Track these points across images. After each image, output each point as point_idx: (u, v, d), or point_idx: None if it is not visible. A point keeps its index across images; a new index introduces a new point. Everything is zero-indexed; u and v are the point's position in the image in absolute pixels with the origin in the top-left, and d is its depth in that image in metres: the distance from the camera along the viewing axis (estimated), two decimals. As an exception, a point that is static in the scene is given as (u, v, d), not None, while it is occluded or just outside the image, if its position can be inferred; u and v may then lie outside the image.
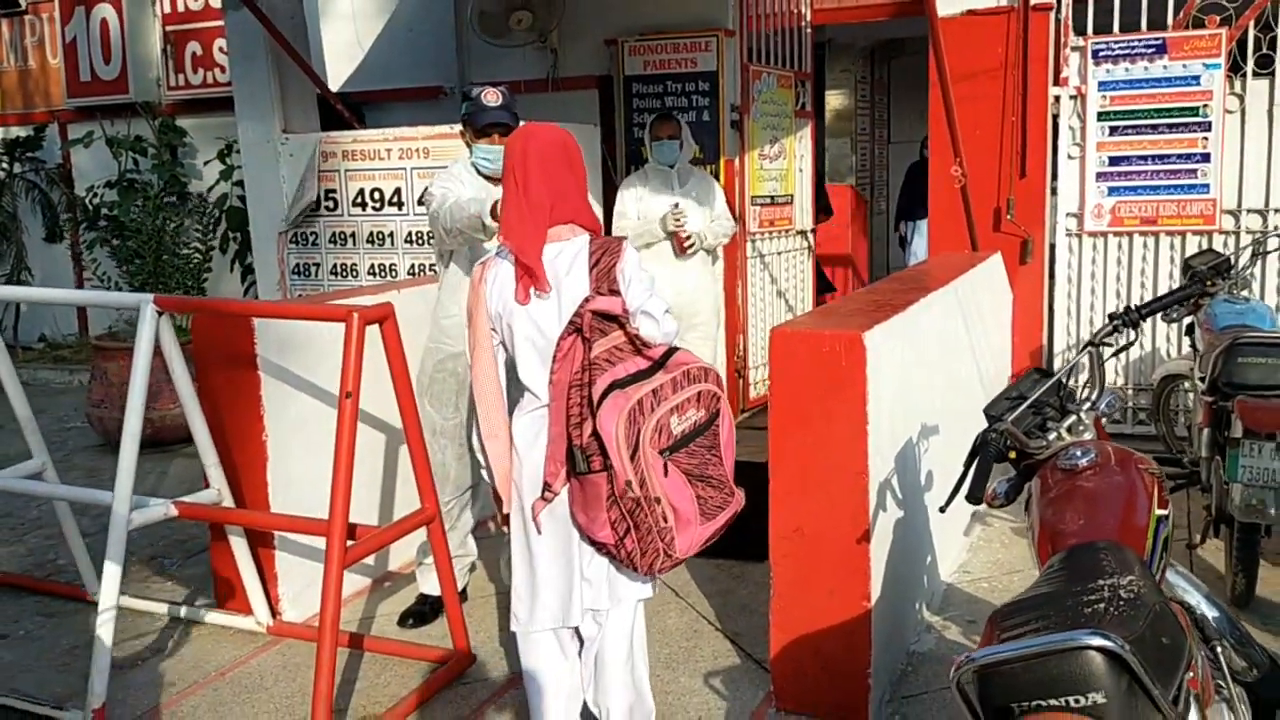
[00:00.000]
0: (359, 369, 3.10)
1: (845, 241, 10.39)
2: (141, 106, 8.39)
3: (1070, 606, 1.85)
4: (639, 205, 5.39)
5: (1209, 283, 4.67)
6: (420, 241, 5.94)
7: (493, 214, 3.38)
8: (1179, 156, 5.80)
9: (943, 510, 2.69)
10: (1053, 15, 5.84)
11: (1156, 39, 5.74)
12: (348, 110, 6.90)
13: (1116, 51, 5.82)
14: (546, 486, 2.69)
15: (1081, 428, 2.74)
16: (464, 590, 4.15)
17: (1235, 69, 5.64)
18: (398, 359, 3.28)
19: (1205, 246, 5.79)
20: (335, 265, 6.21)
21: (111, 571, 3.26)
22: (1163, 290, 5.88)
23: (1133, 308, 2.82)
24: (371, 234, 6.08)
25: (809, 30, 7.46)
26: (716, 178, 6.35)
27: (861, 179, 12.37)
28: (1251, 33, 5.55)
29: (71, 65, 9.10)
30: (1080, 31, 5.88)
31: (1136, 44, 5.79)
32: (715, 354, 6.42)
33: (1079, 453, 2.55)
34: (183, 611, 4.13)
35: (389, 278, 6.06)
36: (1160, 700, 1.71)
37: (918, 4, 10.02)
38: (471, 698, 3.51)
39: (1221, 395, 3.84)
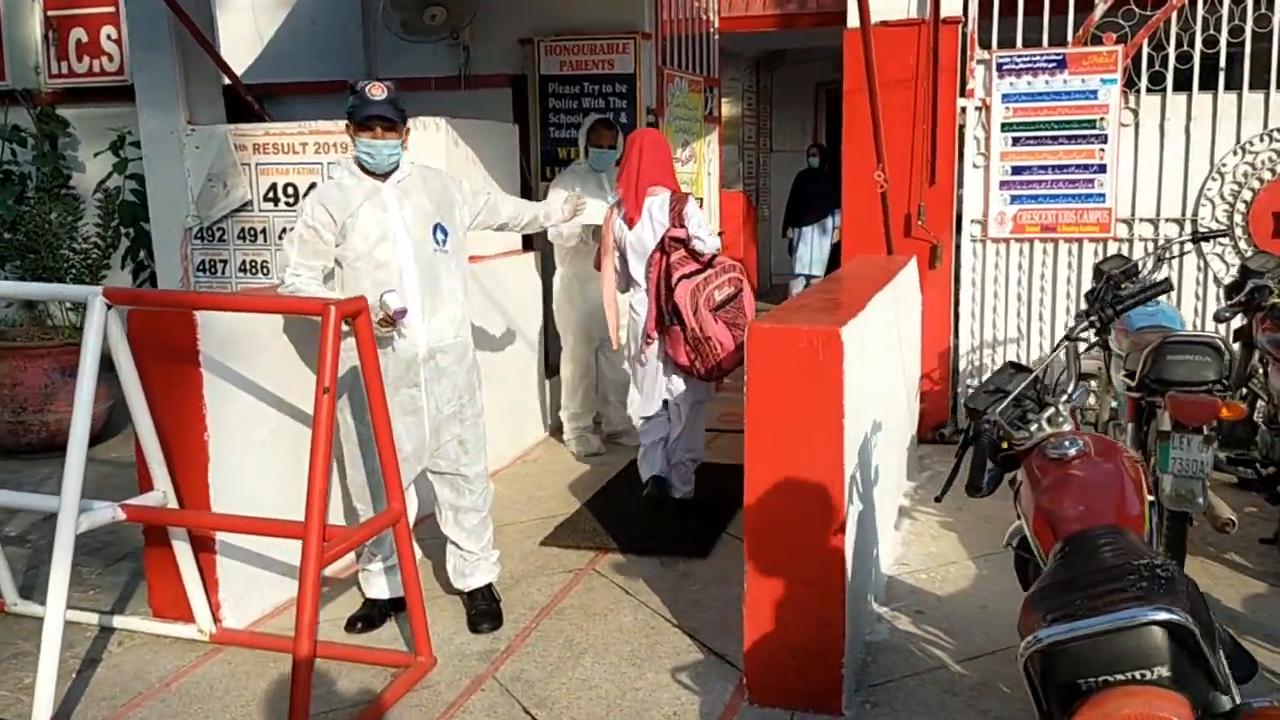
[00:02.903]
0: (336, 364, 3.02)
1: (738, 247, 10.57)
2: (20, 95, 7.94)
3: (1120, 586, 1.94)
4: None
5: (1122, 286, 4.93)
6: (337, 239, 5.78)
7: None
8: (1077, 167, 6.09)
9: (938, 500, 2.78)
10: (960, 28, 6.07)
11: (1057, 54, 6.02)
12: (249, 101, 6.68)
13: (1020, 65, 6.08)
14: (647, 335, 4.76)
15: (1061, 419, 2.86)
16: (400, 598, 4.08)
17: (1130, 84, 5.96)
18: (370, 355, 3.20)
19: (1101, 254, 6.11)
20: (244, 262, 6.01)
21: (59, 578, 3.10)
22: (1061, 295, 6.19)
23: (1106, 303, 2.96)
24: (284, 230, 5.89)
25: (716, 36, 7.58)
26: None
27: (748, 186, 12.61)
28: (1145, 50, 5.87)
29: (-58, 51, 8.53)
30: (985, 45, 6.12)
31: (1038, 59, 6.06)
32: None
33: (1067, 443, 2.66)
34: (115, 621, 3.94)
35: (303, 275, 5.88)
36: (1217, 671, 1.81)
37: (823, 15, 10.37)
38: (438, 700, 3.44)
39: (1149, 391, 4.05)
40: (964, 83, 6.14)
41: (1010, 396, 2.79)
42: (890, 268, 4.99)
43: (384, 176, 3.71)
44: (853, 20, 6.16)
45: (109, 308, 3.27)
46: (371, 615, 3.96)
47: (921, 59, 6.09)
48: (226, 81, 6.56)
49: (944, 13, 5.96)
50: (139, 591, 4.21)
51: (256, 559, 4.00)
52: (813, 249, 10.95)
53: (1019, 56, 6.08)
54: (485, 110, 6.65)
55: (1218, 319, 4.92)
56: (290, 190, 5.84)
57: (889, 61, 6.11)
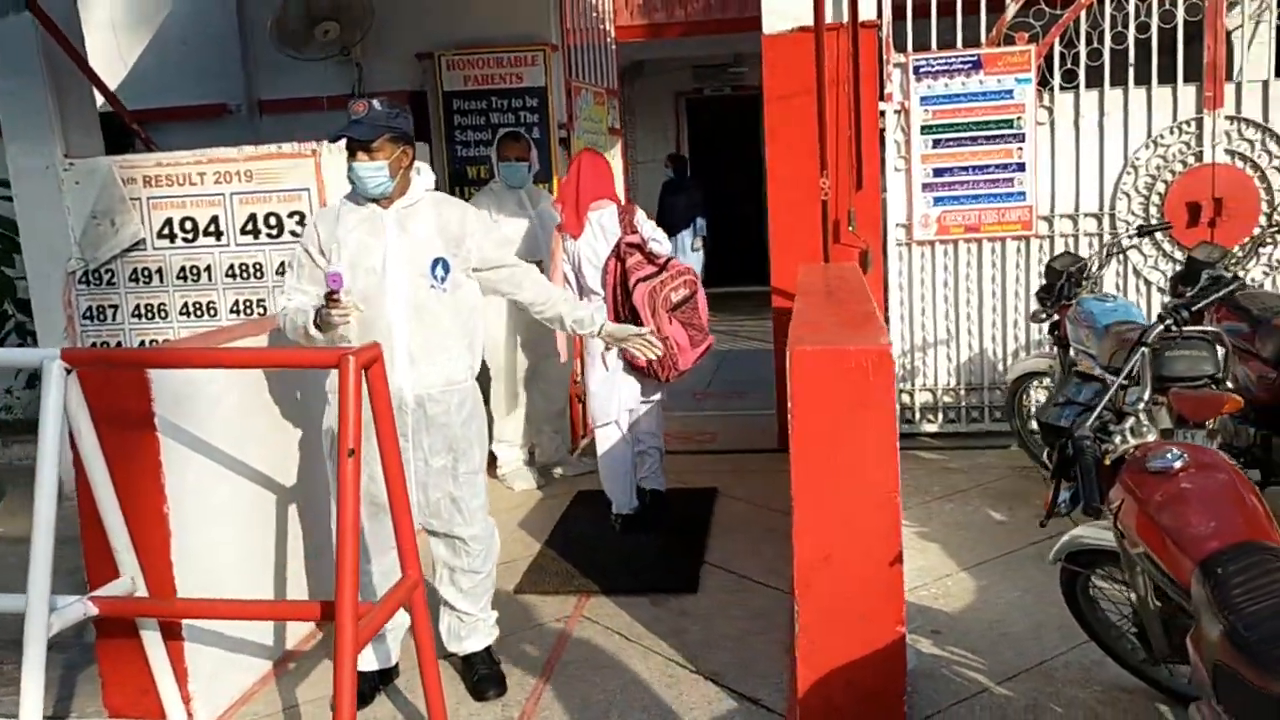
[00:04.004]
0: (359, 420, 2.65)
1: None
2: None
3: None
4: None
5: (1082, 283, 4.95)
6: (246, 275, 5.30)
7: (318, 323, 3.24)
8: (997, 166, 6.13)
9: (1043, 524, 2.63)
10: (879, 32, 6.02)
11: (973, 55, 6.04)
12: (124, 130, 6.10)
13: (936, 67, 6.08)
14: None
15: (1144, 428, 2.75)
16: (396, 665, 3.71)
17: (1044, 83, 6.03)
18: (384, 405, 2.84)
19: (1023, 252, 6.17)
20: (139, 306, 5.44)
21: (34, 686, 2.63)
22: (987, 295, 6.21)
23: (1182, 309, 2.86)
24: (184, 269, 5.37)
25: (614, 47, 7.36)
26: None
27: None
28: (1057, 49, 5.95)
29: None
30: (901, 48, 6.10)
31: (954, 60, 6.07)
32: (566, 377, 6.19)
33: (1169, 455, 2.54)
34: (68, 728, 3.43)
35: (207, 317, 5.38)
36: None
37: (690, 25, 10.28)
38: (467, 784, 3.10)
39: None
40: (881, 86, 6.10)
41: (1098, 409, 2.66)
42: (851, 277, 4.88)
43: (386, 202, 3.35)
44: (769, 26, 6.07)
45: (69, 372, 2.81)
46: (363, 691, 3.56)
47: (842, 63, 6.01)
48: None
49: (861, 16, 5.91)
50: (83, 689, 3.68)
51: (224, 641, 3.56)
52: (686, 258, 11.06)
53: (935, 59, 6.07)
54: (382, 131, 6.25)
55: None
56: (189, 225, 5.32)
57: (810, 67, 6.01)
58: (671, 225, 10.92)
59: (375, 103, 3.30)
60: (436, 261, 3.35)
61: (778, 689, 3.55)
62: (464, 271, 3.47)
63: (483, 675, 3.62)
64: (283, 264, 5.03)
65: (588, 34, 6.89)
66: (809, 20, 5.99)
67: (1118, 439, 2.71)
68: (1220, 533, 2.29)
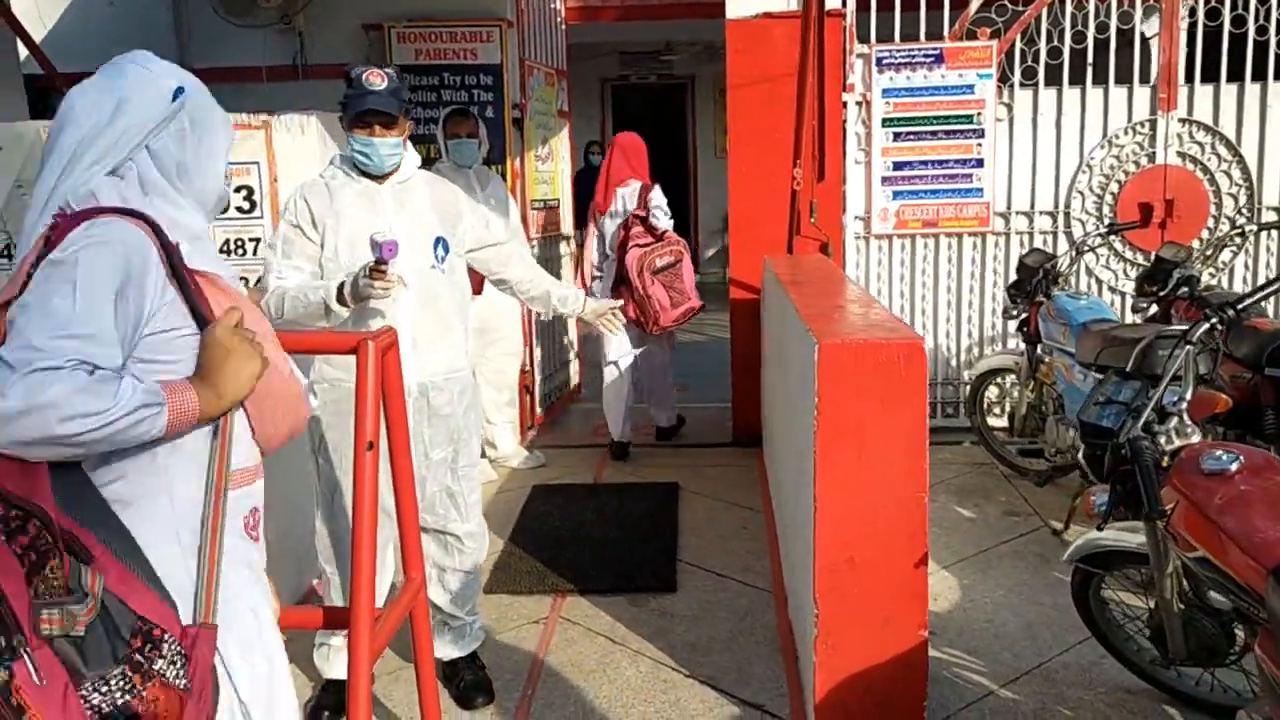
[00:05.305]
0: (378, 412, 2.43)
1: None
2: None
3: None
4: None
5: (1056, 279, 4.94)
6: (186, 253, 4.96)
7: (339, 297, 2.99)
8: (956, 162, 6.10)
9: (1100, 529, 2.54)
10: (844, 22, 5.94)
11: (935, 49, 6.00)
12: (48, 92, 5.69)
13: (899, 60, 6.03)
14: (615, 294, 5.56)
15: (1189, 429, 2.69)
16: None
17: (1004, 79, 6.02)
18: (398, 395, 2.62)
19: (979, 248, 6.17)
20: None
21: None
22: (943, 290, 6.19)
23: (1230, 306, 2.81)
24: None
25: (564, 26, 7.15)
26: (504, 179, 5.90)
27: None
28: (1018, 46, 5.94)
29: None
30: (864, 40, 6.03)
31: (917, 53, 6.02)
32: (517, 367, 5.99)
33: (1223, 456, 2.48)
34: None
35: (143, 297, 5.02)
36: None
37: (626, 9, 10.08)
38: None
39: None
40: (844, 77, 6.02)
41: (1148, 409, 2.58)
42: (834, 271, 4.79)
43: (382, 178, 3.12)
44: (733, 11, 5.94)
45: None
46: (342, 700, 3.33)
47: (808, 52, 5.90)
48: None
49: (827, 5, 5.81)
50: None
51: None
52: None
53: (898, 51, 6.02)
54: (325, 104, 5.82)
55: (1135, 309, 5.01)
56: (124, 197, 4.96)
57: (771, 54, 5.91)
58: (584, 217, 10.64)
59: (389, 72, 3.07)
60: (438, 241, 3.15)
61: (779, 694, 3.43)
62: (458, 252, 3.27)
63: (469, 682, 3.42)
64: (241, 242, 4.72)
65: (539, 12, 6.68)
66: (773, 6, 5.89)
67: (1162, 439, 2.65)
68: (1292, 537, 2.23)
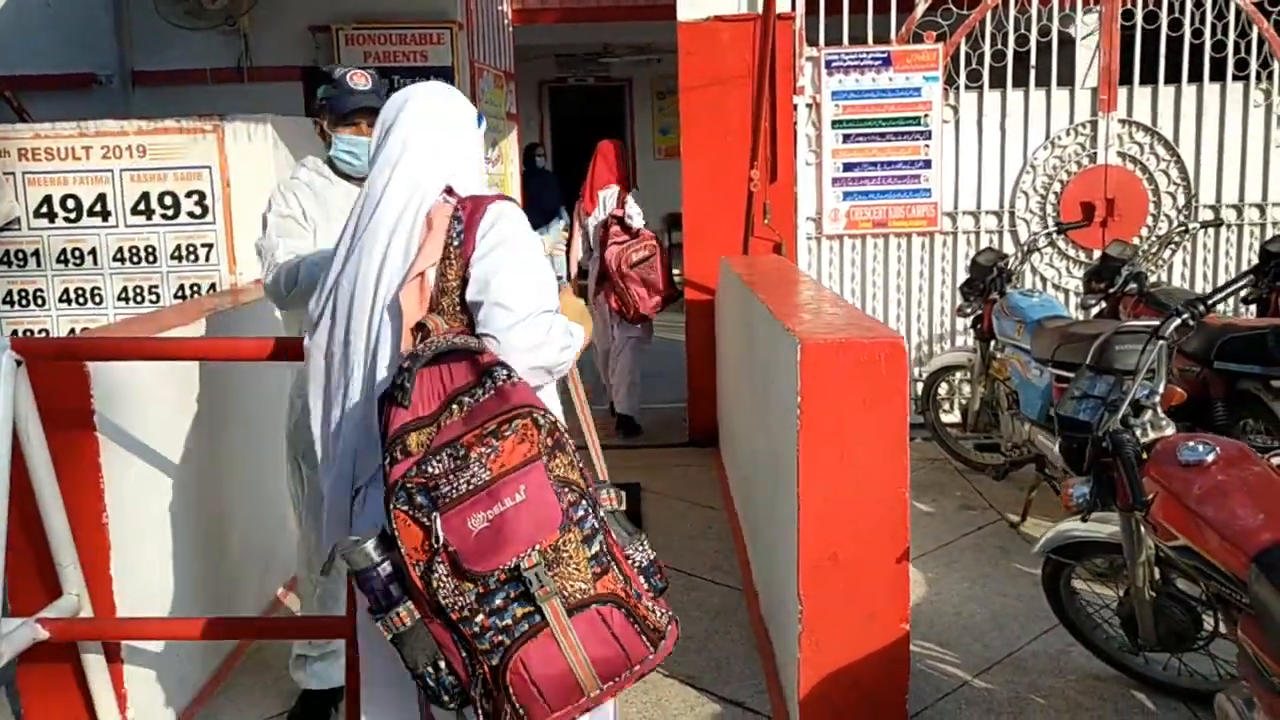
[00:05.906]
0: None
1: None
2: None
3: None
4: None
5: (1009, 277, 5.04)
6: (136, 259, 4.87)
7: None
8: (904, 163, 6.20)
9: (1084, 519, 2.60)
10: (794, 24, 6.00)
11: (883, 51, 6.09)
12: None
13: (848, 62, 6.11)
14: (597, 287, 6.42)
15: (1163, 422, 2.77)
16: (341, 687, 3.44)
17: (950, 82, 6.13)
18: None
19: (928, 248, 6.27)
20: (12, 292, 4.93)
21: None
22: (893, 289, 6.29)
23: (1201, 302, 2.89)
24: (64, 252, 4.90)
25: (511, 29, 7.13)
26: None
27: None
28: (963, 49, 6.06)
29: None
30: (813, 42, 6.10)
31: (865, 56, 6.11)
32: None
33: (1199, 447, 2.55)
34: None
35: (91, 304, 4.92)
36: None
37: (565, 11, 10.07)
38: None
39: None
40: (794, 80, 6.08)
41: (1125, 403, 2.65)
42: (793, 271, 4.84)
43: (361, 180, 3.08)
44: (684, 14, 5.97)
45: (19, 364, 2.45)
46: (327, 710, 3.30)
47: (756, 55, 5.96)
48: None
49: (778, 8, 5.87)
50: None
51: (158, 660, 3.22)
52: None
53: (847, 54, 6.10)
54: (270, 106, 5.83)
55: (1083, 306, 5.14)
56: (71, 203, 4.85)
57: (722, 57, 5.95)
58: (540, 217, 10.64)
59: (371, 73, 3.06)
60: None
61: (758, 690, 3.46)
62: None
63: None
64: (194, 247, 4.65)
65: (488, 14, 6.65)
66: (724, 9, 5.94)
67: (1138, 432, 2.72)
68: (1271, 525, 2.31)
